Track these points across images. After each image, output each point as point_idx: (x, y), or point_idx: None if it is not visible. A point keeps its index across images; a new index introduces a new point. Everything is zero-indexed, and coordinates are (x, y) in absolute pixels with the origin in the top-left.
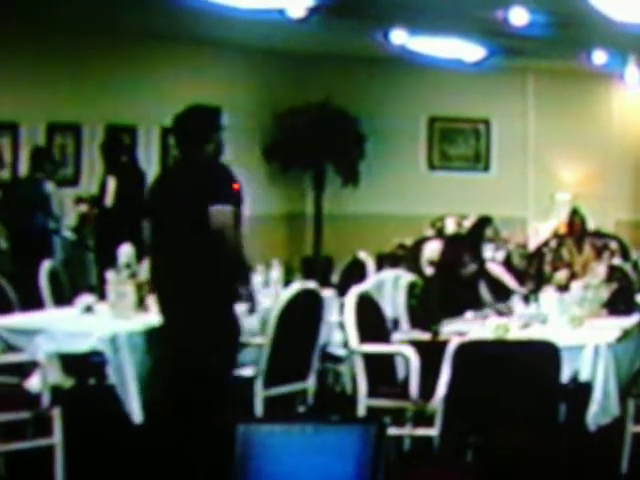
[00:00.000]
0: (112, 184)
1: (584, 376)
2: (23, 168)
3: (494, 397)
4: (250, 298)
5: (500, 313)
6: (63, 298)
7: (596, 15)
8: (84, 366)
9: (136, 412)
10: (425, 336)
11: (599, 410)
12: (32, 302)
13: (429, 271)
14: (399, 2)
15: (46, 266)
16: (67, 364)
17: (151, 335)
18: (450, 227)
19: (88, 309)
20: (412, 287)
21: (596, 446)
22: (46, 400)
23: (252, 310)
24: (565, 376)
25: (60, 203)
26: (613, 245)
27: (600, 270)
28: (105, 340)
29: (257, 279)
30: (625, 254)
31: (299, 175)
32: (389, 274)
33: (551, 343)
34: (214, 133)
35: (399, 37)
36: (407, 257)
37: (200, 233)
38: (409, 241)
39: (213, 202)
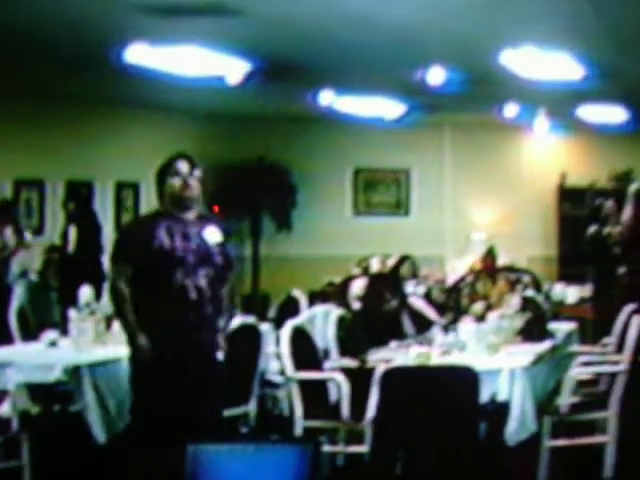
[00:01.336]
0: (73, 233)
1: (502, 396)
2: None
3: (418, 417)
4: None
5: (421, 343)
6: (30, 334)
7: (507, 73)
8: (50, 394)
9: (99, 434)
10: (354, 363)
11: (517, 426)
12: (2, 338)
13: (356, 306)
14: (327, 66)
15: (15, 306)
16: (34, 393)
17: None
18: (375, 266)
19: (52, 344)
20: (341, 320)
21: (515, 460)
22: (15, 425)
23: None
24: (484, 397)
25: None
26: (526, 278)
27: (514, 301)
28: (68, 371)
29: None
30: (537, 286)
31: (238, 222)
32: (320, 309)
33: (469, 367)
34: (162, 185)
35: (327, 98)
36: (336, 294)
37: None
38: (338, 279)
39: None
